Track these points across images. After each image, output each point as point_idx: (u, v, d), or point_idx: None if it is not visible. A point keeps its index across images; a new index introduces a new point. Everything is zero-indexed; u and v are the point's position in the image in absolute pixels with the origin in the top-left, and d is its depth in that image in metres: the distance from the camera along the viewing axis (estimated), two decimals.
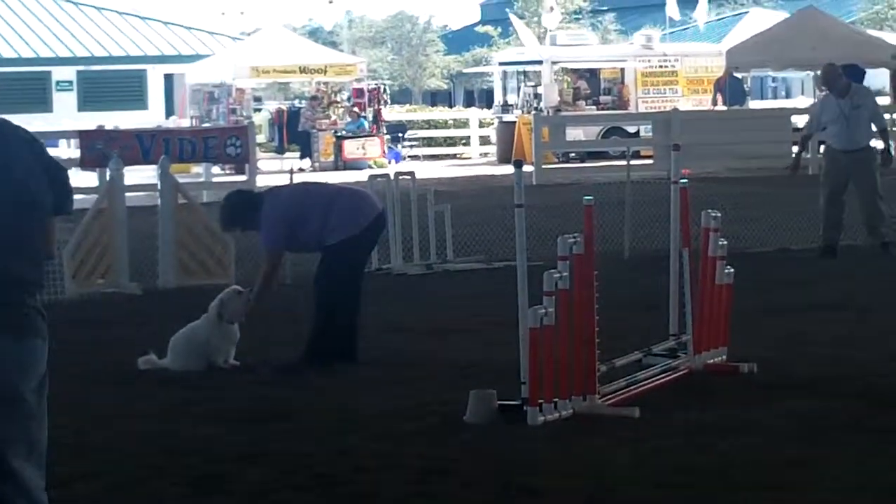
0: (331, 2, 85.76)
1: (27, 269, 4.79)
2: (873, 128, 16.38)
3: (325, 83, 37.24)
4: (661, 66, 36.63)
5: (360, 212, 10.44)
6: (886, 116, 30.62)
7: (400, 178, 16.69)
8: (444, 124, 42.32)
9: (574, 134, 32.66)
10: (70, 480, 7.06)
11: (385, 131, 36.54)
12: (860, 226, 16.24)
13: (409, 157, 36.35)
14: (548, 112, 33.91)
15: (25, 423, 4.86)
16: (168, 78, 43.53)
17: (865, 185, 15.94)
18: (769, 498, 6.92)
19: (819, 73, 21.78)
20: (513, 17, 51.53)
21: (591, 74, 36.95)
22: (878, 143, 16.85)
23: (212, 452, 8.04)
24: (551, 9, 44.71)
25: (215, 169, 27.42)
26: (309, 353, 10.20)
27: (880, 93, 32.50)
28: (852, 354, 10.37)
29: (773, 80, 46.10)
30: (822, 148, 16.46)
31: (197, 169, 26.58)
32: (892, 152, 16.83)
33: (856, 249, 15.89)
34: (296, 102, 38.06)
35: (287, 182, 14.01)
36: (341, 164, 34.11)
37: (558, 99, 35.64)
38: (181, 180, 16.96)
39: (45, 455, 4.97)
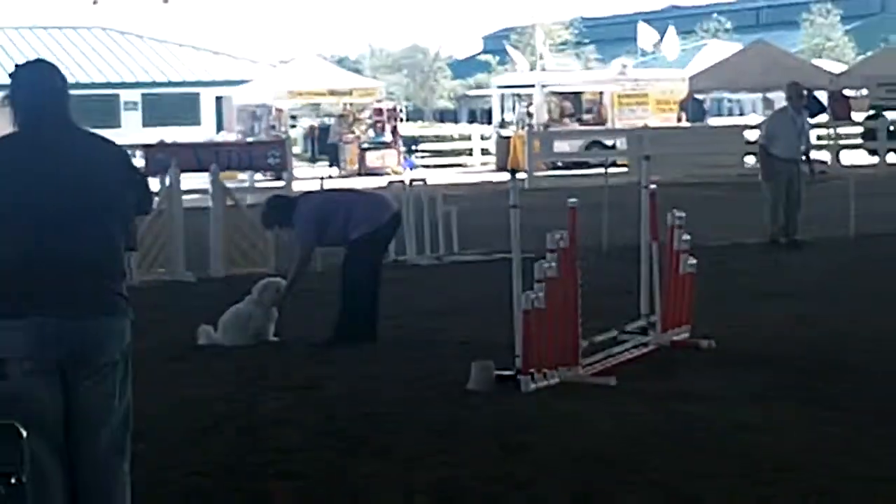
0: (357, 35, 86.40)
1: (111, 260, 4.85)
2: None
3: (351, 104, 37.25)
4: (634, 90, 36.65)
5: (379, 212, 10.44)
6: (824, 131, 31.01)
7: (413, 183, 16.70)
8: (450, 138, 42.40)
9: (560, 147, 32.68)
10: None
11: (401, 144, 36.57)
12: (806, 223, 16.20)
13: (421, 165, 36.33)
14: (538, 128, 33.94)
15: (103, 392, 4.86)
16: (218, 99, 43.55)
17: (798, 188, 15.96)
18: (728, 457, 6.91)
19: (768, 95, 21.73)
20: (509, 48, 51.57)
21: (575, 96, 36.97)
22: None
23: (251, 416, 8.06)
24: (544, 43, 44.75)
25: (258, 176, 27.42)
26: (336, 332, 10.20)
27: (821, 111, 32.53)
28: (802, 334, 10.36)
29: (729, 100, 46.07)
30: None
31: (242, 176, 26.58)
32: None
33: (802, 243, 15.85)
34: (326, 120, 38.09)
35: (318, 187, 14.00)
36: (364, 171, 34.10)
37: (547, 117, 35.66)
38: (229, 185, 17.00)
39: (130, 423, 4.97)
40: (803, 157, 16.25)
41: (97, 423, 4.86)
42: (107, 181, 4.85)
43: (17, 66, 5.07)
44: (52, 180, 4.77)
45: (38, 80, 5.01)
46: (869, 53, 39.72)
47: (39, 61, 5.22)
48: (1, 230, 4.77)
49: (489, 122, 42.70)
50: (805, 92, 17.01)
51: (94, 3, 62.25)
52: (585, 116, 36.46)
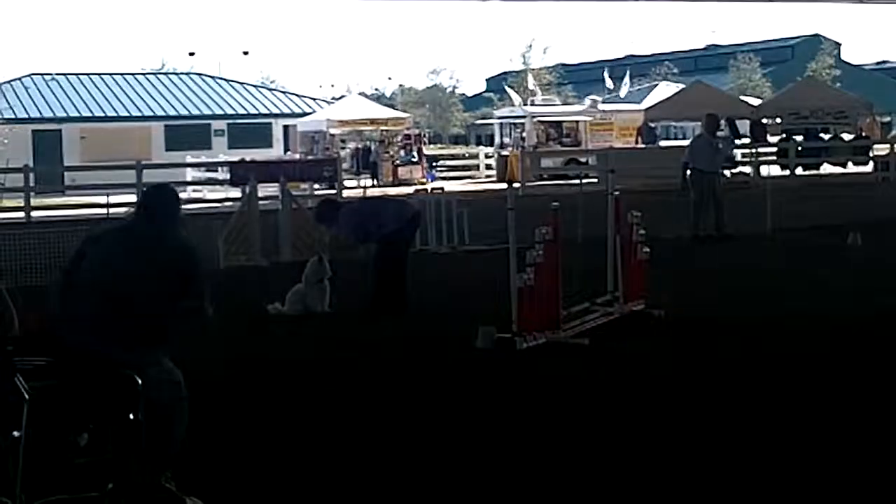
0: (390, 78, 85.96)
1: (152, 316, 4.95)
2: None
3: (386, 130, 37.10)
4: (602, 120, 36.44)
5: (402, 213, 10.44)
6: (747, 151, 30.88)
7: (434, 191, 16.71)
8: (462, 157, 42.29)
9: (546, 163, 32.56)
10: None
11: (425, 161, 36.50)
12: (733, 220, 16.13)
13: (440, 177, 36.21)
14: (529, 149, 33.79)
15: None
16: (286, 127, 43.41)
17: (719, 196, 15.96)
18: (671, 398, 6.90)
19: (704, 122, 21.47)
20: (507, 88, 51.38)
21: (557, 125, 36.78)
22: None
23: (306, 365, 8.07)
24: (535, 86, 44.42)
25: (315, 185, 27.40)
26: (372, 305, 10.18)
27: (744, 135, 32.41)
28: (730, 307, 10.33)
29: (674, 127, 45.85)
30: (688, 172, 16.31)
31: (304, 185, 26.58)
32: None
33: (730, 236, 15.78)
34: (367, 143, 37.93)
35: (359, 194, 13.98)
36: (397, 182, 34.00)
37: (536, 140, 35.48)
38: (294, 193, 16.98)
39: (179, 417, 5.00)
40: (720, 169, 16.43)
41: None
42: (168, 264, 4.99)
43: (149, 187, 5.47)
44: (126, 257, 4.99)
45: (152, 194, 5.33)
46: (781, 90, 39.48)
47: (162, 186, 5.48)
48: (82, 284, 4.95)
49: (491, 145, 42.52)
50: (726, 120, 17.20)
51: (191, 54, 62.04)
52: (565, 140, 36.24)
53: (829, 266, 12.84)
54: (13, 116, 39.08)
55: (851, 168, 31.94)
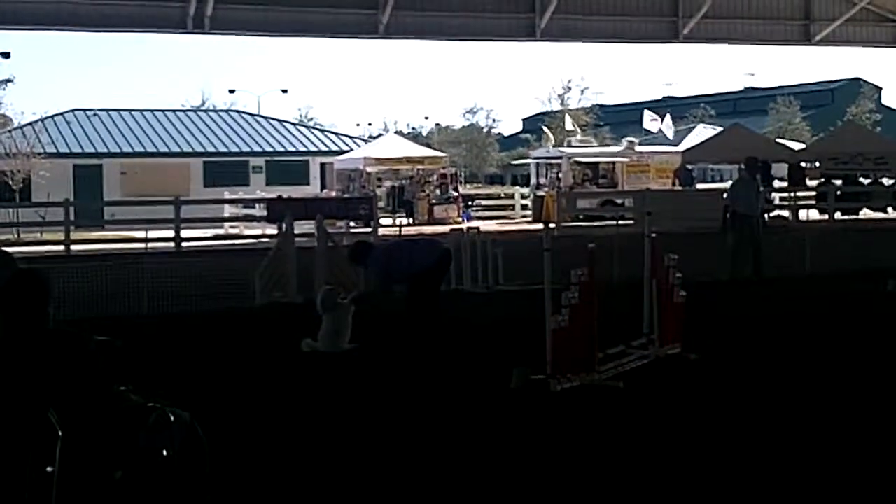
0: (427, 117, 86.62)
1: None
2: None
3: (422, 169, 37.21)
4: (638, 161, 36.38)
5: (432, 252, 10.48)
6: (784, 194, 30.69)
7: (469, 230, 16.71)
8: (498, 196, 42.31)
9: (582, 204, 32.51)
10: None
11: (460, 200, 36.56)
12: (772, 264, 16.03)
13: (475, 217, 36.24)
14: (565, 189, 33.77)
15: None
16: (322, 165, 43.75)
17: (758, 239, 15.90)
18: (707, 443, 6.82)
19: (742, 165, 21.41)
20: (544, 128, 51.47)
21: (593, 165, 36.76)
22: None
23: (337, 402, 8.06)
24: (573, 125, 44.48)
25: (351, 223, 27.50)
26: (406, 345, 10.15)
27: (780, 179, 32.26)
28: (767, 353, 10.22)
29: (712, 170, 45.68)
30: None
31: (340, 223, 26.69)
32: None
33: (768, 279, 15.65)
34: (403, 181, 38.05)
35: (396, 232, 14.01)
36: (432, 221, 34.07)
37: (572, 181, 35.47)
38: (330, 230, 17.04)
39: None
40: (760, 212, 16.35)
41: None
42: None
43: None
44: None
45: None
46: (822, 135, 39.29)
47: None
48: None
49: (528, 185, 42.55)
50: (760, 164, 17.13)
51: (231, 91, 62.97)
52: (601, 181, 36.19)
53: (867, 312, 12.68)
54: (55, 151, 39.65)
55: (891, 213, 31.67)
